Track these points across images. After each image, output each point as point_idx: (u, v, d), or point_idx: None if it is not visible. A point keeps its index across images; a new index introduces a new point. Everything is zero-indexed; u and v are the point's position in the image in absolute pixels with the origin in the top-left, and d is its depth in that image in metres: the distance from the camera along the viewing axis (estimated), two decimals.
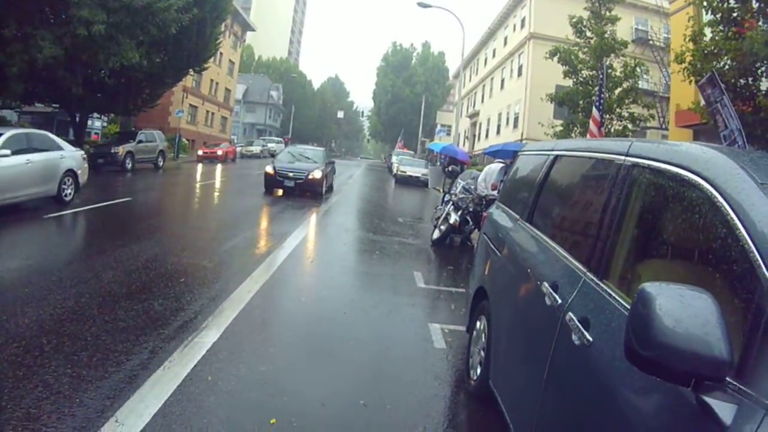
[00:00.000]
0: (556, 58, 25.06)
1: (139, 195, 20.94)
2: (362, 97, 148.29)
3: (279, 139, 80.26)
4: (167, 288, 8.41)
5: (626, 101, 23.75)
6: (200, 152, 47.93)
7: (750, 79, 12.74)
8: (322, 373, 5.95)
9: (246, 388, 5.35)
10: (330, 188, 26.41)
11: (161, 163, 34.35)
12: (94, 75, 28.27)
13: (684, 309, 2.03)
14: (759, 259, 2.16)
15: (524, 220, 5.32)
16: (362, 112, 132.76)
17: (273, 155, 41.46)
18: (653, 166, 3.22)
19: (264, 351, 6.38)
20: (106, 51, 24.37)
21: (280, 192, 23.07)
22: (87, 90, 28.18)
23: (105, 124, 45.78)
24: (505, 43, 52.96)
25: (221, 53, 61.47)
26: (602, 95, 17.71)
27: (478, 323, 5.91)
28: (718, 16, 13.48)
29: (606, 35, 24.37)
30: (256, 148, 63.98)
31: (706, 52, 13.34)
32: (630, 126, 23.79)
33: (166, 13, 25.67)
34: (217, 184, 27.96)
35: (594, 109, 17.67)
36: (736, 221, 2.36)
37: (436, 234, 15.09)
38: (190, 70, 37.37)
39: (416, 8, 38.89)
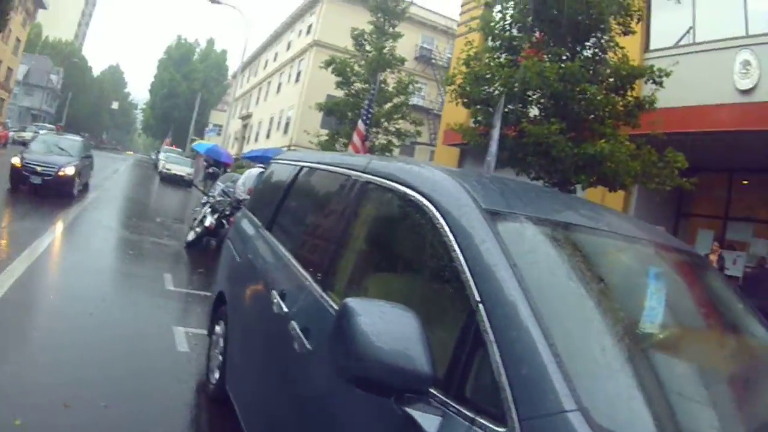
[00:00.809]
0: (330, 68, 24.70)
1: None
2: (141, 89, 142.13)
3: (51, 125, 74.96)
4: None
5: (395, 116, 24.02)
6: None
7: (519, 105, 12.96)
8: (65, 374, 5.72)
9: None
10: (86, 186, 22.74)
11: None
12: None
13: (385, 325, 2.10)
14: (470, 280, 2.29)
15: (265, 228, 5.31)
16: (137, 105, 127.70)
17: None
18: (385, 185, 3.30)
19: (8, 351, 6.08)
20: None
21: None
22: None
23: None
24: (289, 48, 52.57)
25: (10, 29, 55.71)
26: (371, 109, 17.76)
27: (217, 327, 5.86)
28: (498, 43, 13.74)
29: (385, 51, 24.42)
30: (28, 134, 58.48)
31: (477, 76, 13.37)
32: (395, 141, 24.09)
33: None
34: None
35: (360, 122, 17.69)
36: (453, 242, 2.49)
37: (191, 236, 14.79)
38: None
39: (208, 3, 37.73)
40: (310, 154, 5.88)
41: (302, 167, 5.16)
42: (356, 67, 24.76)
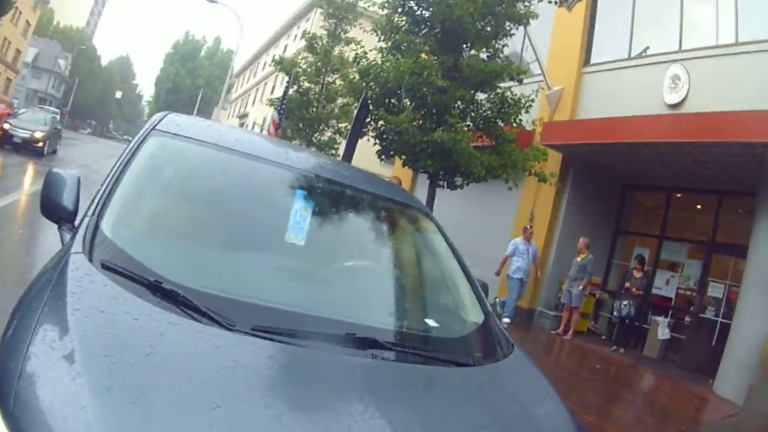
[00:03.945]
0: (279, 68, 26.03)
1: None
2: (150, 81, 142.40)
3: (55, 109, 75.69)
4: None
5: (342, 117, 24.44)
6: None
7: (394, 99, 13.77)
8: None
9: None
10: (54, 151, 29.90)
11: None
12: None
13: (61, 183, 3.23)
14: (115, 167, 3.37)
15: None
16: (142, 97, 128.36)
17: None
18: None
19: None
20: None
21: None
22: None
23: None
24: (285, 51, 52.39)
25: (20, 12, 57.72)
26: (284, 102, 20.36)
27: None
28: (390, 43, 14.16)
29: (334, 54, 24.87)
30: None
31: (361, 72, 14.07)
32: (337, 138, 24.76)
33: None
34: None
35: (274, 112, 20.19)
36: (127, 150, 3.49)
37: None
38: None
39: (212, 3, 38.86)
40: None
41: None
42: (304, 67, 25.21)
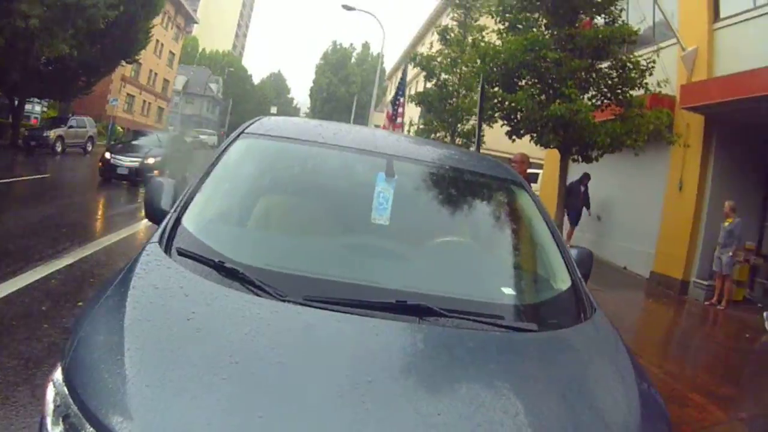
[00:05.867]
0: (413, 64, 26.50)
1: (56, 173, 24.55)
2: (303, 94, 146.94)
3: (212, 131, 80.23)
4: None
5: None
6: None
7: (515, 78, 13.81)
8: None
9: None
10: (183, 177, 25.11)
11: (90, 148, 36.35)
12: (30, 63, 29.21)
13: (160, 189, 3.67)
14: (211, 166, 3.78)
15: None
16: (299, 109, 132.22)
17: (203, 146, 43.31)
18: None
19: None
20: (40, 42, 26.55)
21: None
22: (24, 76, 29.85)
23: (44, 108, 46.81)
24: (431, 48, 52.69)
25: (162, 44, 63.87)
26: (399, 95, 21.41)
27: None
28: (506, 24, 14.43)
29: (467, 43, 24.32)
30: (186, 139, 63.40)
31: (480, 54, 14.17)
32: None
33: (93, 9, 27.99)
34: None
35: (390, 105, 21.09)
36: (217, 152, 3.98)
37: None
38: (122, 61, 39.19)
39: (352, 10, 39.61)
40: None
41: None
42: (440, 59, 25.53)
